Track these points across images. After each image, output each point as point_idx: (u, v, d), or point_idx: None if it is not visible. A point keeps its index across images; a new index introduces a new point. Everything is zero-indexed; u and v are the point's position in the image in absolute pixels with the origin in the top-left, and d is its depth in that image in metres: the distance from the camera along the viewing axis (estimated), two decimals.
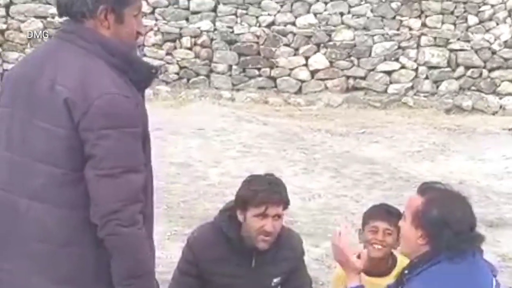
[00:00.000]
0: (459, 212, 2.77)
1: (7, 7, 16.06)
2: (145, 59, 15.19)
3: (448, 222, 2.73)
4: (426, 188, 2.88)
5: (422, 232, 2.74)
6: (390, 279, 3.69)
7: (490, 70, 15.63)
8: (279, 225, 3.58)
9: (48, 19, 15.85)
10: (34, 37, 15.65)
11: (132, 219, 2.45)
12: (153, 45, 15.75)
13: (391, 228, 3.77)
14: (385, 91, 15.60)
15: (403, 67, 15.74)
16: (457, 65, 15.66)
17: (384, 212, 3.89)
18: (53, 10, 15.83)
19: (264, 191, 3.57)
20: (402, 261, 3.59)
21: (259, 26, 16.17)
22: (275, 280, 3.76)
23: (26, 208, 2.49)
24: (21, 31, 15.90)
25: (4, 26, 15.92)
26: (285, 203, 3.59)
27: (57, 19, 15.71)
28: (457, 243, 2.73)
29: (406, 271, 2.88)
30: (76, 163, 2.43)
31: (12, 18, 16.02)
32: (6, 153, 2.54)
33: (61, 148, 2.43)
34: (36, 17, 15.86)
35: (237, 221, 3.62)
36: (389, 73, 15.72)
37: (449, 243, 2.71)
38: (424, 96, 15.41)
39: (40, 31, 15.74)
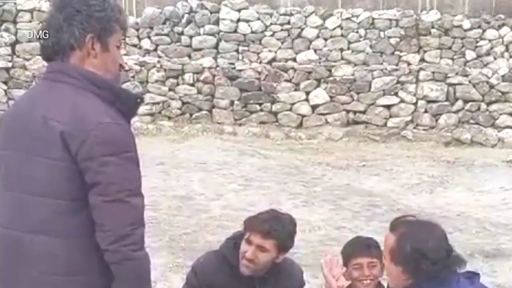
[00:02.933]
0: (431, 241, 2.79)
1: (12, 45, 16.32)
2: (148, 95, 15.50)
3: (423, 253, 2.76)
4: (396, 224, 2.91)
5: (402, 268, 2.78)
6: None
7: (489, 104, 15.82)
8: (264, 258, 3.61)
9: None
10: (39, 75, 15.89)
11: (142, 243, 2.52)
12: (156, 81, 15.93)
13: (374, 260, 3.79)
14: (385, 125, 15.77)
15: (402, 101, 15.92)
16: (456, 99, 15.85)
17: (363, 246, 3.89)
18: None
19: (258, 219, 3.67)
20: None
21: (260, 62, 16.42)
22: None
23: (30, 242, 2.52)
24: (26, 69, 16.11)
25: (10, 64, 16.13)
26: (273, 239, 3.58)
27: None
28: (436, 271, 2.77)
29: None
30: (75, 193, 2.48)
31: (18, 56, 16.26)
32: (7, 193, 2.58)
33: (59, 180, 2.48)
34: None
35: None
36: (388, 107, 15.91)
37: (429, 274, 2.75)
38: (424, 130, 15.57)
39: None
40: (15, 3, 16.45)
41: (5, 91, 16.05)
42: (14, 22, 16.34)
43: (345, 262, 3.83)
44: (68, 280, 2.54)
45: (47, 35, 2.62)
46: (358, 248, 3.91)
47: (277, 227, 3.60)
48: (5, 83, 16.10)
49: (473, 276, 2.92)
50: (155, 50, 16.78)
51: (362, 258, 3.82)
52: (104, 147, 2.45)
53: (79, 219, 2.49)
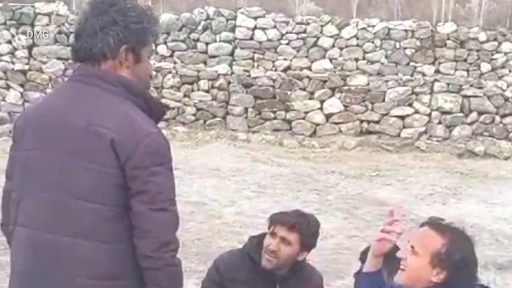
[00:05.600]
0: (474, 254, 2.84)
1: (29, 48, 16.46)
2: (163, 100, 15.57)
3: (468, 264, 2.80)
4: (443, 228, 2.88)
5: (441, 271, 2.78)
6: None
7: (503, 116, 15.83)
8: (287, 252, 3.64)
9: (70, 60, 16.20)
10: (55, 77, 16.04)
11: (178, 248, 2.60)
12: (171, 87, 16.01)
13: None
14: (398, 135, 15.79)
15: (416, 112, 15.94)
16: (470, 110, 15.86)
17: None
18: None
19: (284, 214, 3.75)
20: None
21: (275, 70, 16.48)
22: None
23: (71, 246, 2.49)
24: (42, 72, 16.23)
25: (26, 67, 16.26)
26: (298, 233, 3.64)
27: None
28: (471, 282, 2.83)
29: None
30: (121, 199, 2.48)
31: (34, 59, 16.39)
32: (43, 195, 2.53)
33: (107, 186, 2.46)
34: (58, 58, 16.21)
35: None
36: (402, 117, 15.93)
37: (466, 283, 2.81)
38: (437, 141, 15.56)
39: (61, 72, 16.15)
40: (33, 6, 16.59)
41: (21, 93, 16.17)
42: (32, 25, 16.47)
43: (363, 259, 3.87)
44: (108, 284, 2.54)
45: (80, 38, 2.58)
46: None
47: (302, 222, 3.68)
48: (22, 85, 16.23)
49: None
50: (171, 56, 16.88)
51: None
52: (154, 157, 2.48)
53: (122, 225, 2.51)
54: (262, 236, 3.77)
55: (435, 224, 2.91)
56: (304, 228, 3.67)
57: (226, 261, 3.80)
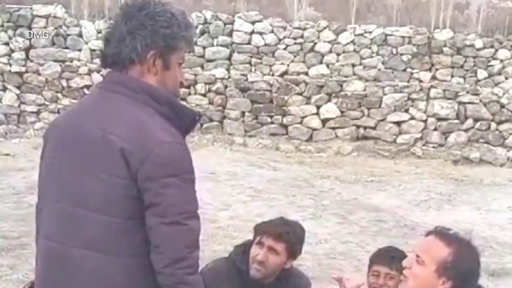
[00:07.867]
0: (479, 265, 2.82)
1: (26, 50, 16.46)
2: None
3: (473, 274, 2.79)
4: (449, 238, 2.83)
5: (447, 281, 2.75)
6: None
7: (498, 123, 15.86)
8: (274, 261, 3.65)
9: (67, 63, 16.24)
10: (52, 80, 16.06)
11: (197, 266, 2.47)
12: None
13: (392, 273, 3.77)
14: (394, 141, 15.82)
15: (412, 118, 15.97)
16: (466, 117, 15.89)
17: (387, 257, 3.89)
18: (72, 54, 16.23)
19: (270, 223, 3.75)
20: None
21: (273, 75, 16.49)
22: None
23: (81, 258, 2.42)
24: (39, 74, 16.25)
25: (23, 69, 16.28)
26: (284, 242, 3.64)
27: (75, 63, 16.12)
28: None
29: None
30: (132, 212, 2.39)
31: (31, 61, 16.39)
32: (57, 204, 2.48)
33: (118, 197, 2.38)
34: (55, 61, 16.22)
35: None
36: (398, 123, 15.96)
37: None
38: (433, 147, 15.60)
39: (58, 75, 16.17)
40: (31, 8, 16.60)
41: (18, 95, 16.21)
42: (29, 27, 16.47)
43: (368, 267, 3.91)
44: None
45: (109, 43, 2.53)
46: (382, 256, 3.94)
47: (288, 231, 3.68)
48: (18, 87, 16.26)
49: None
50: None
51: (382, 266, 3.84)
52: (165, 168, 2.38)
53: (135, 238, 2.43)
54: (248, 244, 3.77)
55: (441, 233, 2.87)
56: (291, 237, 3.68)
57: (211, 271, 3.73)
